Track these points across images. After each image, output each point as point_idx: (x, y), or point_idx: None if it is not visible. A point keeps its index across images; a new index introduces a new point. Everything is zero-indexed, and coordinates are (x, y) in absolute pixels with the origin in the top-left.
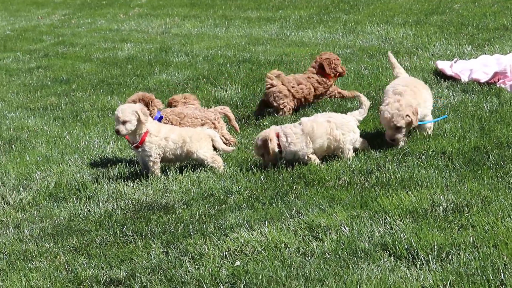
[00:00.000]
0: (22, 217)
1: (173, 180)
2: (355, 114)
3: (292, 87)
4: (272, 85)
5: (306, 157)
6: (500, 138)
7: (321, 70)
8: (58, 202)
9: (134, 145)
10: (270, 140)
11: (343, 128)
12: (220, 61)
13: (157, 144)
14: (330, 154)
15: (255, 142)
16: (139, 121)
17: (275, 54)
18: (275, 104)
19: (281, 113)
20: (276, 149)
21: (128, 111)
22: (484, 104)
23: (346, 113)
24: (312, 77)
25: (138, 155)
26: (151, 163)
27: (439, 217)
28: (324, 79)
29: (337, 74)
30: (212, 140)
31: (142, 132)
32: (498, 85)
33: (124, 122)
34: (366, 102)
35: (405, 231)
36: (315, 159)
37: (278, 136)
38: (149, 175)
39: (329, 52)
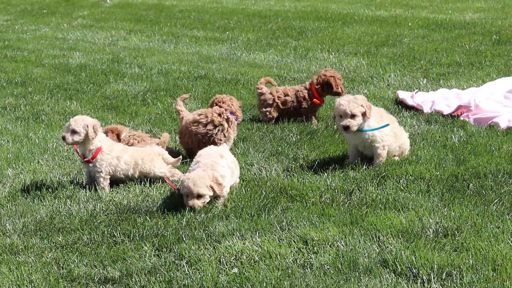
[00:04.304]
0: (0, 211)
1: (151, 186)
2: None
3: (278, 97)
4: (262, 93)
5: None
6: (476, 168)
7: (322, 87)
8: (36, 199)
9: (86, 159)
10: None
11: None
12: (175, 76)
13: (108, 162)
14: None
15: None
16: (86, 136)
17: (231, 73)
18: (260, 110)
19: (263, 119)
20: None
21: (80, 123)
22: (452, 135)
23: None
24: (300, 91)
25: (86, 168)
26: (101, 179)
27: (430, 239)
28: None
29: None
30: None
31: (94, 148)
32: (461, 118)
33: (73, 132)
34: None
35: (403, 250)
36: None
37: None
38: (97, 188)
39: (332, 70)
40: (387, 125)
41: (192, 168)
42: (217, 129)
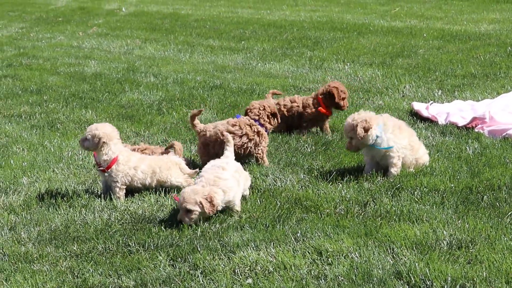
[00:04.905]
0: (15, 220)
1: (166, 196)
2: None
3: (284, 105)
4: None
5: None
6: (490, 180)
7: (326, 97)
8: (51, 208)
9: (101, 168)
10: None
11: None
12: (191, 85)
13: (125, 173)
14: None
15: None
16: (96, 145)
17: (246, 83)
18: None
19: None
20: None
21: (91, 131)
22: (467, 147)
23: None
24: (307, 99)
25: (102, 177)
26: (117, 189)
27: (444, 251)
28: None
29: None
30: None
31: (109, 159)
32: (476, 130)
33: (85, 139)
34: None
35: (417, 262)
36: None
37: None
38: (112, 197)
39: (339, 82)
40: (391, 147)
41: (196, 183)
42: (252, 142)
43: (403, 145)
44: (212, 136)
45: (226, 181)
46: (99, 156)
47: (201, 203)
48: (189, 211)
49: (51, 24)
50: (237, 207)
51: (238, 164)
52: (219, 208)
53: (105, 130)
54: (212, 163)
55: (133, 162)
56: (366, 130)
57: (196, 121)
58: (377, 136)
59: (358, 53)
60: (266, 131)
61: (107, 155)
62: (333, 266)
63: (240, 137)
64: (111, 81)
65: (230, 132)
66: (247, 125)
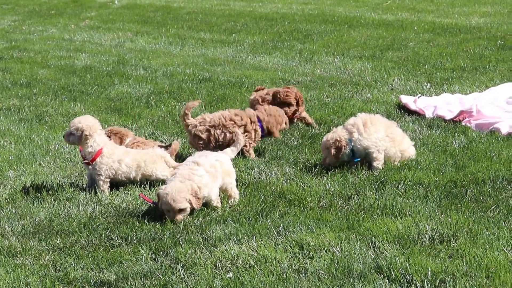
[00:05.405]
0: (0, 213)
1: (151, 189)
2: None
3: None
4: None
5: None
6: (475, 174)
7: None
8: (36, 201)
9: (85, 161)
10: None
11: None
12: (180, 78)
13: (109, 166)
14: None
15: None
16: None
17: (235, 76)
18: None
19: None
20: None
21: (75, 125)
22: (453, 141)
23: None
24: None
25: (87, 170)
26: (101, 182)
27: (426, 245)
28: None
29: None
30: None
31: (93, 151)
32: (463, 124)
33: (70, 133)
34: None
35: (397, 256)
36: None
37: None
38: (97, 191)
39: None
40: (358, 159)
41: (170, 179)
42: (245, 134)
43: (379, 137)
44: (216, 124)
45: (200, 178)
46: (84, 149)
47: (190, 200)
48: (182, 210)
49: (44, 17)
50: (215, 202)
51: (224, 158)
52: (216, 193)
53: (87, 122)
54: (189, 158)
55: (117, 156)
56: (339, 149)
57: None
58: (351, 151)
59: (348, 46)
60: (261, 134)
61: (92, 147)
62: (314, 260)
63: (238, 126)
64: (100, 74)
65: (231, 120)
66: (250, 119)
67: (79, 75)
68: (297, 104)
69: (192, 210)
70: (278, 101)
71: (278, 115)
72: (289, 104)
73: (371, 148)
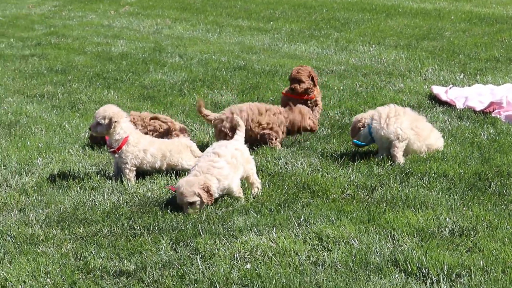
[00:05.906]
0: (26, 201)
1: (177, 179)
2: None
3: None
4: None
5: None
6: (500, 166)
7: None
8: (62, 190)
9: (112, 149)
10: None
11: None
12: (214, 66)
13: (134, 155)
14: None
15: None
16: (109, 126)
17: (270, 64)
18: None
19: None
20: None
21: (101, 114)
22: (481, 132)
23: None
24: None
25: (114, 159)
26: (127, 170)
27: (445, 238)
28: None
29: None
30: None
31: (120, 138)
32: (493, 115)
33: (97, 124)
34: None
35: (415, 249)
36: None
37: None
38: (123, 179)
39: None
40: (364, 144)
41: (190, 171)
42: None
43: (401, 127)
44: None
45: (220, 170)
46: (111, 137)
47: (199, 194)
48: (191, 204)
49: (84, 2)
50: (236, 193)
51: (242, 147)
52: (216, 195)
53: (113, 109)
54: (209, 149)
55: (142, 145)
56: (356, 129)
57: (206, 111)
58: (370, 134)
59: (385, 35)
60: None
61: (119, 134)
62: (332, 252)
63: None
64: (136, 61)
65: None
66: (279, 114)
67: (115, 62)
68: (313, 83)
69: (216, 199)
70: (290, 78)
71: (303, 113)
72: (299, 81)
73: (391, 137)
